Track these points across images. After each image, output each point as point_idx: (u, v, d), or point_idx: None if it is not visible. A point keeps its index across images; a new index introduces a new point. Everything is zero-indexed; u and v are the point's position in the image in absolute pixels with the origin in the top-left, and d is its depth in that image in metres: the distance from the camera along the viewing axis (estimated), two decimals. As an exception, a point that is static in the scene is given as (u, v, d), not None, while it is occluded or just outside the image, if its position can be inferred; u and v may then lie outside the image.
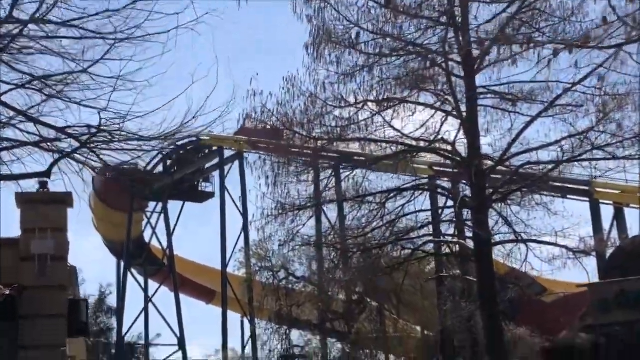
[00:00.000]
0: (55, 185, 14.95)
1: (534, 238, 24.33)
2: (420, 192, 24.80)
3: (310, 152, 25.40)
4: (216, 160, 61.89)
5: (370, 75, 24.26)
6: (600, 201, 41.13)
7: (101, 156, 13.53)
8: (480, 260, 23.09)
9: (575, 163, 25.06)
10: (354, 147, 24.88)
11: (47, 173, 13.66)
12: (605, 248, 26.63)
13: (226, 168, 61.26)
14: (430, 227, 25.98)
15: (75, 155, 13.52)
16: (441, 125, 24.97)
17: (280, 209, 23.22)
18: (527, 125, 23.84)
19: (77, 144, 13.46)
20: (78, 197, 15.11)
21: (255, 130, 48.30)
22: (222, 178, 60.24)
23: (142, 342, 65.41)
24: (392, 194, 25.14)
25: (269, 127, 23.17)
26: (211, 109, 14.19)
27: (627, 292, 20.57)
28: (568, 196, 40.01)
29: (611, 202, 41.63)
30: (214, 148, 62.08)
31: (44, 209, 15.20)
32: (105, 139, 13.27)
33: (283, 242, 25.24)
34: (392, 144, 24.08)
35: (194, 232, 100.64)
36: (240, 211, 58.94)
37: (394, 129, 23.49)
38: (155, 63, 13.36)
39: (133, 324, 64.38)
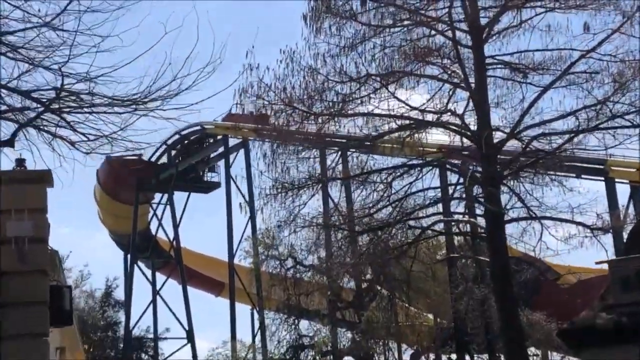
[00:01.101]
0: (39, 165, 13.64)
1: (548, 215, 23.08)
2: (428, 168, 23.56)
3: (314, 138, 24.27)
4: (221, 149, 60.68)
5: (372, 47, 23.14)
6: (616, 180, 39.85)
7: (71, 122, 12.22)
8: (492, 238, 21.86)
9: (591, 136, 23.85)
10: (359, 129, 23.49)
11: (10, 142, 12.44)
12: (623, 225, 25.41)
13: (232, 157, 60.08)
14: (440, 206, 24.78)
15: (43, 123, 12.27)
16: (449, 99, 23.80)
17: (279, 187, 22.04)
18: (540, 94, 22.64)
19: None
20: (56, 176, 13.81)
21: (242, 116, 47.43)
22: (228, 167, 59.08)
23: (150, 335, 64.30)
24: (398, 172, 23.96)
25: (256, 111, 21.91)
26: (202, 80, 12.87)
27: (649, 269, 19.32)
28: (582, 176, 38.93)
29: (627, 181, 40.37)
30: (219, 137, 60.93)
31: (21, 188, 13.95)
32: (73, 102, 12.01)
33: (282, 223, 24.05)
34: (398, 118, 22.87)
35: (201, 224, 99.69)
36: (246, 200, 57.69)
37: (400, 100, 22.26)
38: (124, 14, 12.06)
39: (140, 317, 63.39)
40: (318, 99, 22.30)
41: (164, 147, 64.44)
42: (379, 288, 44.47)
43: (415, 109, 22.39)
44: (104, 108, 11.81)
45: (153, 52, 12.76)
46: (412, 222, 23.70)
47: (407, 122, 22.52)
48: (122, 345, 62.08)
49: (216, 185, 65.09)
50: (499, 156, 22.77)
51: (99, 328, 58.91)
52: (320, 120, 22.24)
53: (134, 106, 11.88)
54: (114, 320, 62.15)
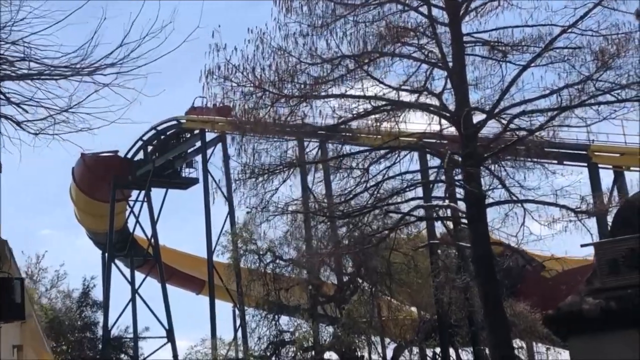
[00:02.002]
0: None
1: (530, 199, 22.21)
2: (406, 152, 22.60)
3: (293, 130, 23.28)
4: (198, 144, 59.53)
5: (345, 27, 22.18)
6: (600, 165, 39.08)
7: (11, 99, 11.12)
8: (473, 222, 20.94)
9: (574, 117, 22.97)
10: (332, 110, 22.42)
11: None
12: (607, 209, 24.63)
13: (210, 152, 58.94)
14: (419, 191, 23.84)
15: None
16: (426, 79, 22.88)
17: (248, 172, 21.04)
18: (520, 72, 21.77)
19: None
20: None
21: (206, 109, 46.37)
22: (205, 162, 57.90)
23: (130, 335, 63.08)
24: (375, 156, 23.02)
25: (223, 94, 20.86)
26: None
27: (637, 251, 18.34)
28: (565, 162, 38.07)
29: (610, 166, 39.61)
30: (196, 131, 59.77)
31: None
32: (6, 71, 10.93)
33: (253, 209, 23.03)
34: (373, 99, 21.91)
35: (180, 221, 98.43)
36: (224, 195, 56.58)
37: (375, 79, 21.26)
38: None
39: (119, 317, 62.20)
40: (289, 81, 21.28)
41: (140, 142, 63.39)
42: (360, 281, 43.62)
43: (391, 87, 21.39)
44: (44, 77, 10.71)
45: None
46: (391, 208, 22.72)
47: (383, 103, 21.48)
48: (101, 346, 60.81)
49: (194, 181, 63.95)
50: (479, 137, 21.84)
51: (76, 328, 57.59)
52: (291, 103, 21.18)
53: (79, 77, 10.82)
54: (92, 320, 60.77)
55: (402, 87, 21.84)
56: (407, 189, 22.14)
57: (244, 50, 20.89)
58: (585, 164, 38.66)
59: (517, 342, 55.20)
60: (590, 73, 22.32)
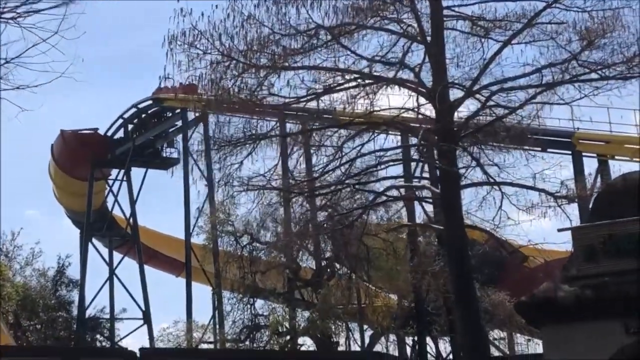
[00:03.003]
0: None
1: (508, 181, 21.32)
2: (380, 130, 21.63)
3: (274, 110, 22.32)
4: (179, 124, 58.41)
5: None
6: (583, 153, 38.24)
7: None
8: (447, 202, 20.03)
9: (557, 98, 22.06)
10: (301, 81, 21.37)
11: None
12: (590, 195, 23.80)
13: (190, 132, 57.75)
14: (399, 170, 22.91)
15: None
16: (404, 54, 21.89)
17: (215, 144, 20.09)
18: (502, 48, 20.84)
19: None
20: None
21: (172, 89, 45.27)
22: (185, 142, 56.74)
23: (105, 316, 62.03)
24: (349, 135, 22.08)
25: (188, 63, 19.84)
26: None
27: (617, 237, 17.47)
28: (549, 149, 37.28)
29: (595, 155, 38.76)
30: (177, 111, 58.59)
31: None
32: None
33: (217, 184, 22.03)
34: (348, 72, 20.93)
35: (161, 202, 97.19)
36: (204, 176, 55.49)
37: (349, 50, 20.26)
38: None
39: (95, 297, 61.08)
40: (259, 50, 20.26)
41: (121, 120, 62.23)
42: (338, 266, 42.79)
43: (365, 59, 20.38)
44: None
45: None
46: (364, 187, 21.78)
47: (356, 76, 20.50)
48: (75, 326, 59.75)
49: (174, 161, 62.77)
50: (458, 118, 20.92)
51: (49, 307, 56.47)
52: (260, 74, 20.17)
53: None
54: (66, 299, 59.62)
55: (378, 59, 20.76)
56: (379, 167, 21.19)
57: (211, 16, 19.86)
58: (570, 152, 37.84)
59: (497, 333, 54.73)
60: (574, 52, 21.44)
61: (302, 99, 20.79)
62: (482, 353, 19.93)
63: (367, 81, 21.06)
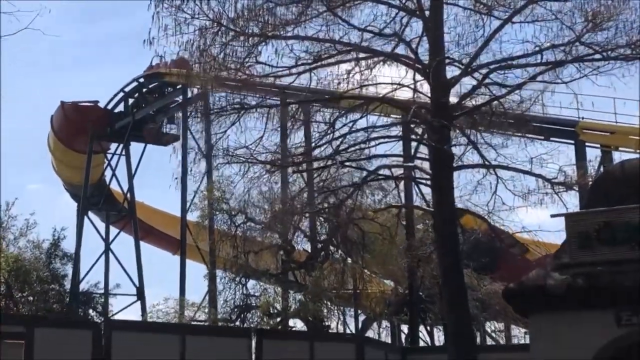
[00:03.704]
0: None
1: (503, 164, 20.53)
2: (375, 105, 20.81)
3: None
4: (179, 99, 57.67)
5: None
6: (587, 143, 37.37)
7: None
8: (438, 182, 19.27)
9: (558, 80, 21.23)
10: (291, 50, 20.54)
11: None
12: (589, 182, 22.96)
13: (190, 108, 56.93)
14: (391, 149, 22.09)
15: None
16: (402, 29, 21.07)
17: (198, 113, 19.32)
18: (502, 25, 19.99)
19: None
20: None
21: (164, 65, 44.47)
22: (185, 118, 56.00)
23: (99, 291, 61.43)
24: (342, 112, 21.30)
25: (175, 29, 19.05)
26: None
27: (613, 225, 16.70)
28: (552, 139, 36.47)
29: (598, 145, 37.89)
30: (179, 86, 57.79)
31: None
32: None
33: (197, 154, 21.27)
34: (342, 44, 20.13)
35: (161, 179, 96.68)
36: (203, 153, 54.71)
37: (347, 23, 19.45)
38: None
39: (89, 271, 60.55)
40: (251, 18, 19.45)
41: (122, 94, 61.49)
42: (332, 249, 42.12)
43: (360, 29, 19.53)
44: None
45: None
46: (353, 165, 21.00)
47: (349, 48, 19.70)
48: (68, 299, 59.14)
49: (175, 137, 62.01)
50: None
51: (42, 280, 55.80)
52: (250, 42, 19.36)
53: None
54: (60, 272, 58.91)
55: (373, 32, 19.92)
56: (369, 144, 20.42)
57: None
58: (573, 142, 37.01)
59: (494, 325, 54.08)
60: (579, 34, 20.64)
61: (292, 69, 19.96)
62: (468, 339, 19.23)
63: (361, 55, 20.25)
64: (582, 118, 36.32)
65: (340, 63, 20.63)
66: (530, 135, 24.90)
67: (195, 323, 40.24)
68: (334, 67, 20.75)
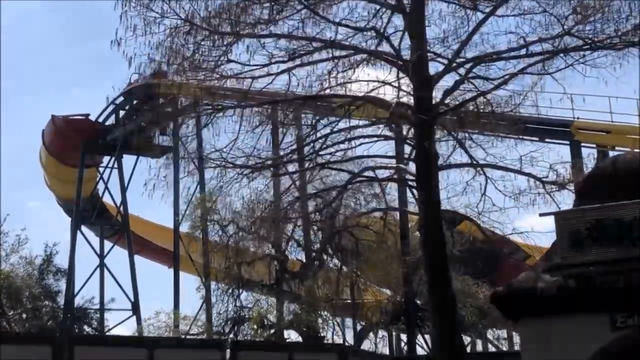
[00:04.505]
0: None
1: (491, 163, 19.69)
2: (357, 104, 19.99)
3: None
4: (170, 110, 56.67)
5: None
6: (582, 144, 36.51)
7: None
8: (422, 183, 18.43)
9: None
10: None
11: None
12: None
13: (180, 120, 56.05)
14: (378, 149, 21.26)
15: None
16: (385, 25, 20.24)
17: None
18: (487, 17, 19.18)
19: None
20: None
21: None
22: (176, 129, 55.19)
23: (93, 306, 60.52)
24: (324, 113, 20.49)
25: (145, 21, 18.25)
26: None
27: (605, 223, 15.87)
28: (547, 139, 35.73)
29: (594, 145, 37.02)
30: (170, 97, 56.91)
31: None
32: None
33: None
34: (320, 42, 19.31)
35: (156, 192, 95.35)
36: (195, 165, 53.84)
37: (329, 20, 18.63)
38: None
39: (83, 286, 59.66)
40: (224, 17, 18.64)
41: (112, 106, 60.69)
42: (326, 258, 41.30)
43: (337, 24, 18.71)
44: None
45: None
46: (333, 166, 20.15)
47: (322, 45, 18.87)
48: (62, 316, 58.24)
49: (168, 149, 61.15)
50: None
51: (34, 297, 54.89)
52: (223, 42, 18.53)
53: None
54: (53, 288, 58.01)
55: (352, 26, 19.07)
56: (349, 143, 19.55)
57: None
58: (568, 142, 36.19)
59: (495, 332, 53.17)
60: (568, 27, 19.85)
61: (270, 68, 19.14)
62: (454, 346, 18.32)
63: (339, 52, 19.42)
64: (577, 118, 35.52)
65: (320, 62, 19.82)
66: (525, 137, 24.18)
67: (165, 336, 39.25)
68: (314, 67, 19.89)
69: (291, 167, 21.06)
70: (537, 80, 19.80)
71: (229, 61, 18.87)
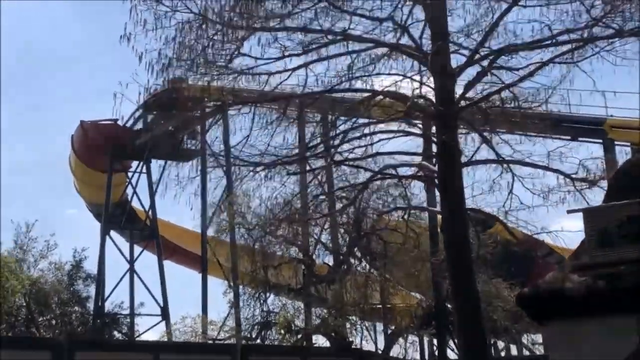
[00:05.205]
0: None
1: (516, 159, 18.85)
2: (377, 100, 19.26)
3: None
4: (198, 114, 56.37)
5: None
6: (616, 142, 35.46)
7: None
8: (444, 182, 17.63)
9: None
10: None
11: None
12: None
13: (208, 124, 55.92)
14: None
15: None
16: (407, 17, 19.51)
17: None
18: (511, 6, 18.35)
19: None
20: None
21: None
22: (203, 133, 54.98)
23: (123, 312, 60.28)
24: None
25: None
26: None
27: (636, 220, 14.96)
28: (579, 138, 34.78)
29: (628, 143, 35.91)
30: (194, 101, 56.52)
31: None
32: None
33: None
34: (337, 34, 18.61)
35: (185, 197, 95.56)
36: (223, 169, 53.57)
37: (343, 10, 17.93)
38: None
39: (112, 291, 59.44)
40: (238, 11, 18.02)
41: (140, 111, 60.47)
42: (353, 261, 40.57)
43: (361, 16, 17.95)
44: None
45: None
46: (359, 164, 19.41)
47: (339, 38, 18.16)
48: (91, 321, 58.03)
49: (196, 153, 60.81)
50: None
51: (63, 302, 54.74)
52: (239, 36, 17.90)
53: None
54: (82, 294, 57.84)
55: (372, 17, 18.33)
56: (364, 138, 18.80)
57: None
58: (601, 141, 35.16)
59: (530, 337, 52.00)
60: (597, 17, 18.99)
61: (286, 63, 18.46)
62: (480, 352, 17.52)
63: (358, 46, 18.70)
64: (612, 116, 34.50)
65: (338, 56, 19.13)
66: (556, 137, 23.31)
67: (173, 341, 38.70)
68: (333, 62, 19.20)
69: (309, 165, 20.36)
70: (565, 74, 18.87)
71: (241, 54, 18.24)
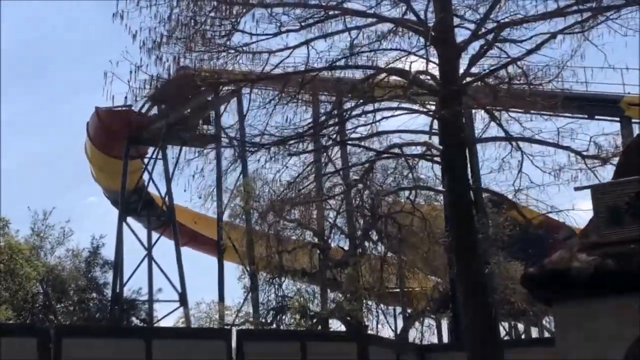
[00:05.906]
0: None
1: (527, 137, 18.27)
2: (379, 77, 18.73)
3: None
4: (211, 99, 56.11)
5: None
6: (633, 120, 34.73)
7: None
8: (448, 160, 17.12)
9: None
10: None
11: None
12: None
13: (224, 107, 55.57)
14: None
15: None
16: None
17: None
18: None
19: None
20: None
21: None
22: (217, 118, 54.55)
23: (141, 298, 60.24)
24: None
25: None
26: None
27: (644, 196, 14.44)
28: (596, 116, 34.06)
29: (646, 120, 35.23)
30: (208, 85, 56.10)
31: None
32: None
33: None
34: (339, 10, 18.09)
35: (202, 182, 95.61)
36: (237, 153, 53.08)
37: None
38: None
39: (130, 277, 59.27)
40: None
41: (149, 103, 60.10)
42: (368, 245, 40.10)
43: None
44: None
45: None
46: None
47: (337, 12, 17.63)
48: (109, 308, 58.02)
49: (213, 138, 60.40)
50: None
51: (81, 289, 54.77)
52: (235, 12, 17.42)
53: None
54: (100, 281, 57.86)
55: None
56: (367, 116, 18.29)
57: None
58: (618, 119, 34.42)
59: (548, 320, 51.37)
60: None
61: (278, 35, 17.93)
62: (487, 335, 17.02)
63: (359, 22, 18.16)
64: (629, 93, 33.73)
65: (341, 32, 18.59)
66: (570, 115, 22.64)
67: (164, 326, 38.49)
68: (337, 39, 18.66)
69: (311, 145, 19.87)
70: (576, 48, 18.19)
71: (237, 31, 17.76)
